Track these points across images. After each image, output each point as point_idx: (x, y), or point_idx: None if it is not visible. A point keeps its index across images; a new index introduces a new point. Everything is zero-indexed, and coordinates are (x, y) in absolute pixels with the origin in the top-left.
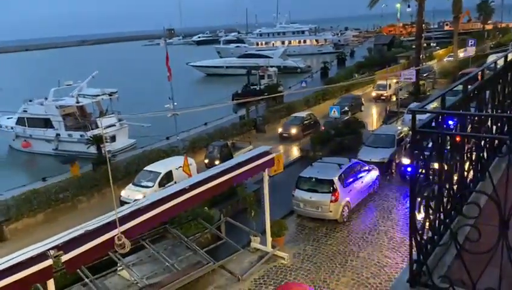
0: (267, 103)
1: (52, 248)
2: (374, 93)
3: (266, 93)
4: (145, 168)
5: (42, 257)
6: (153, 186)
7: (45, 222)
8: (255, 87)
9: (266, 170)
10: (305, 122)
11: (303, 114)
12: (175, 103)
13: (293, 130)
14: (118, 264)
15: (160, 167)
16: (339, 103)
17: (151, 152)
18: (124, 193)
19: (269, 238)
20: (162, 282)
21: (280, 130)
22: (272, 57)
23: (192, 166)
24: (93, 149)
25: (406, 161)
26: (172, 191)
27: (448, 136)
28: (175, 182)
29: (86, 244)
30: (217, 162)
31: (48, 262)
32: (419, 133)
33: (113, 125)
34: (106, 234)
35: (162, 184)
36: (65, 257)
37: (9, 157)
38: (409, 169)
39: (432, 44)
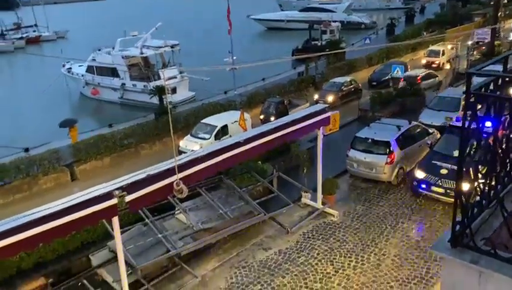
0: (327, 59)
1: (117, 189)
2: (424, 60)
3: (327, 50)
4: (202, 121)
5: (108, 196)
6: (209, 138)
7: (111, 166)
8: (316, 42)
9: (321, 128)
10: (344, 88)
11: (343, 80)
12: (234, 57)
13: (330, 98)
14: (176, 208)
15: (217, 120)
16: (381, 70)
17: (209, 105)
18: (182, 143)
19: (320, 195)
20: (216, 227)
21: (316, 96)
22: (335, 12)
23: (247, 121)
24: (155, 100)
25: (420, 174)
26: (228, 144)
27: (507, 100)
28: (230, 136)
29: (148, 187)
30: (272, 119)
31: (113, 201)
32: (474, 95)
33: (175, 77)
34: (166, 179)
35: (217, 137)
36: (128, 198)
37: (80, 103)
38: (423, 186)
39: None
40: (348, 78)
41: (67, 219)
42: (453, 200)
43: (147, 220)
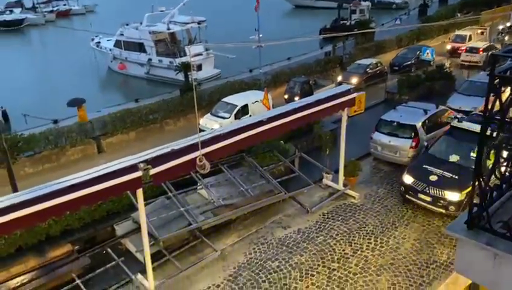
0: (355, 39)
1: (142, 162)
2: (448, 46)
3: (356, 30)
4: (223, 100)
5: (133, 168)
6: (229, 117)
7: (136, 140)
8: (345, 22)
9: (346, 109)
10: (369, 71)
11: (368, 62)
12: (260, 35)
13: (354, 80)
14: (198, 184)
15: (237, 99)
16: (403, 54)
17: (234, 83)
18: (202, 122)
19: (341, 177)
20: (236, 204)
21: (339, 78)
22: None
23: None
24: (181, 76)
25: (408, 179)
26: (250, 122)
27: None
28: (250, 116)
29: (172, 161)
30: (296, 98)
31: (138, 173)
32: (498, 77)
33: (200, 54)
34: (189, 154)
35: (237, 116)
36: (153, 171)
37: (107, 77)
38: (410, 192)
39: None
40: (373, 60)
41: (93, 189)
42: (440, 210)
43: (170, 193)
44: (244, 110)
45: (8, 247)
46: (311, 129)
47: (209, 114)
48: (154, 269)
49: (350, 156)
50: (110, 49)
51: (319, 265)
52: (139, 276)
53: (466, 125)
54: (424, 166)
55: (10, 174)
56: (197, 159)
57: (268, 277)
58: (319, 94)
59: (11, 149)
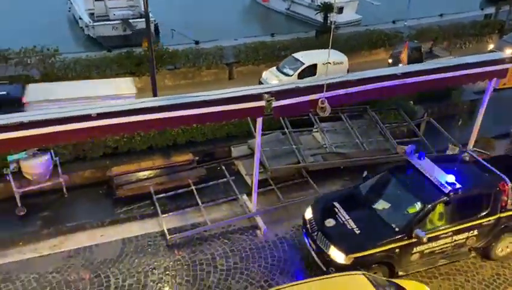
0: None
1: (267, 93)
2: None
3: None
4: (293, 55)
5: (258, 97)
6: (291, 75)
7: None
8: None
9: (493, 80)
10: None
11: None
12: None
13: (509, 51)
14: (314, 126)
15: (307, 57)
16: None
17: (373, 32)
18: (264, 75)
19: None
20: (348, 154)
21: (491, 46)
22: None
23: (343, 64)
24: (319, 17)
25: (308, 213)
26: (381, 74)
27: None
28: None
29: (295, 98)
30: (400, 65)
31: (262, 103)
32: None
33: None
34: (313, 94)
35: (301, 76)
36: (275, 103)
37: (250, 8)
38: (304, 231)
39: None
40: None
41: (221, 108)
42: (323, 267)
43: (285, 130)
44: (311, 70)
45: (142, 144)
46: (448, 95)
47: (274, 68)
48: (258, 194)
49: (484, 132)
50: None
51: None
52: (245, 197)
53: (423, 166)
54: (334, 203)
55: (153, 81)
56: (319, 101)
57: None
58: (466, 57)
59: (156, 60)
